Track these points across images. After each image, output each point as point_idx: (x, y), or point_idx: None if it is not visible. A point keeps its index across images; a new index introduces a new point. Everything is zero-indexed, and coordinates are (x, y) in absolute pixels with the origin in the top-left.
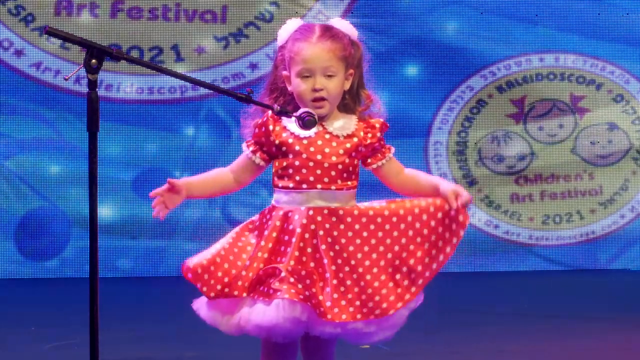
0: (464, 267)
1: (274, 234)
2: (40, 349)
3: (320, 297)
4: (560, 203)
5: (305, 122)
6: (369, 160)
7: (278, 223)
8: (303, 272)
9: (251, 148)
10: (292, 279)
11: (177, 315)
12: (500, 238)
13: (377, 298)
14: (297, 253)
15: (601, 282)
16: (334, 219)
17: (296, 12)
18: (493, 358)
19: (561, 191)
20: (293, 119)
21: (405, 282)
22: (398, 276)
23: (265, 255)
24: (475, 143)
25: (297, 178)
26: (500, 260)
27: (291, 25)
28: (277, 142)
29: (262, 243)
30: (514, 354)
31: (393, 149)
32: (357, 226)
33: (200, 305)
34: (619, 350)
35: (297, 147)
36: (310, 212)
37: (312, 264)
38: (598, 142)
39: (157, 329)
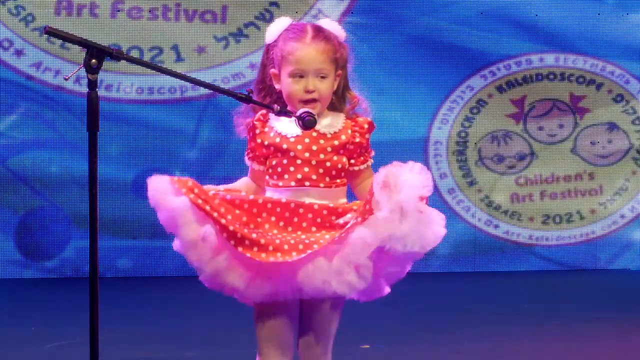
0: (464, 267)
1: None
2: (40, 349)
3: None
4: (560, 203)
5: (306, 122)
6: (352, 162)
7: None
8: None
9: (249, 155)
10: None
11: (177, 315)
12: (500, 238)
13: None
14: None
15: (601, 282)
16: (323, 211)
17: (296, 12)
18: (493, 358)
19: (561, 191)
20: (286, 118)
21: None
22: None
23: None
24: (475, 143)
25: (286, 176)
26: (500, 260)
27: (281, 23)
28: (265, 142)
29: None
30: (514, 354)
31: (373, 153)
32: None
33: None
34: (619, 350)
35: (284, 146)
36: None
37: (272, 218)
38: (598, 142)
39: (157, 329)
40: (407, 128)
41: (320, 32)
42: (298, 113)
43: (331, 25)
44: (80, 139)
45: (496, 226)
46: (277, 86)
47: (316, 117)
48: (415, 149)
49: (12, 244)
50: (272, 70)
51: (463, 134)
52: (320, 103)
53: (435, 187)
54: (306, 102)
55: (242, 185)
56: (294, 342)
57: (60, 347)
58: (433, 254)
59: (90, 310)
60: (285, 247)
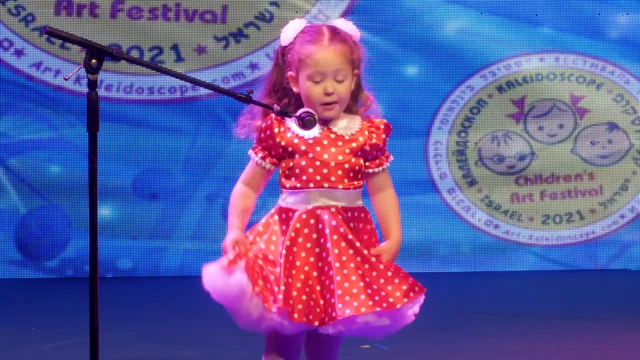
0: (464, 267)
1: (273, 238)
2: (40, 349)
3: (321, 302)
4: (560, 203)
5: (306, 122)
6: (367, 164)
7: (276, 227)
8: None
9: (260, 154)
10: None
11: (177, 315)
12: (500, 238)
13: (382, 293)
14: (287, 254)
15: (601, 282)
16: (340, 216)
17: (296, 12)
18: (493, 358)
19: (561, 191)
20: (291, 119)
21: (410, 280)
22: (397, 280)
23: (270, 257)
24: (475, 143)
25: (304, 178)
26: (500, 260)
27: (296, 25)
28: (282, 143)
29: (263, 246)
30: (514, 354)
31: (391, 158)
32: (362, 224)
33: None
34: (619, 350)
35: (303, 147)
36: (318, 212)
37: (311, 259)
38: (598, 142)
39: (157, 329)
40: (407, 128)
41: (336, 34)
42: (298, 113)
43: (346, 25)
44: (80, 139)
45: (496, 226)
46: (294, 89)
47: (316, 116)
48: (416, 149)
49: (12, 244)
50: (290, 73)
51: (463, 134)
52: (339, 105)
53: (435, 187)
54: (326, 105)
55: (245, 206)
56: (302, 345)
57: (60, 347)
58: (433, 254)
59: (90, 310)
60: (311, 317)
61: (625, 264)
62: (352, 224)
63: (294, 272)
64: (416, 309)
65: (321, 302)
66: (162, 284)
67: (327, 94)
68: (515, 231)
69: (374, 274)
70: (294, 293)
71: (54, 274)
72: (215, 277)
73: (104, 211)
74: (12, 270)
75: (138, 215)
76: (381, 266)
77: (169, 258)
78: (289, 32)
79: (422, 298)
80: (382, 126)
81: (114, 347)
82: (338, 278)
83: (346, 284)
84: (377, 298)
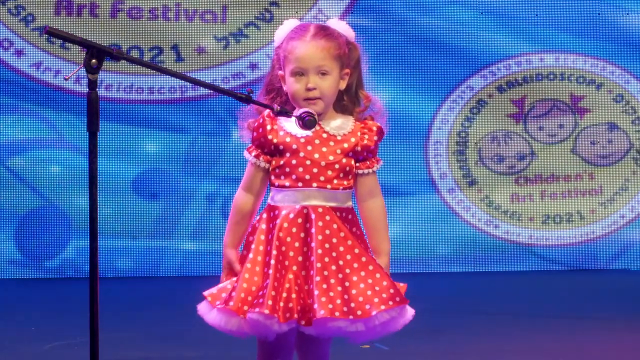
0: (464, 267)
1: (262, 237)
2: (40, 349)
3: (309, 300)
4: (560, 203)
5: (306, 122)
6: (357, 164)
7: (264, 226)
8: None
9: (254, 153)
10: (270, 302)
11: (177, 315)
12: (500, 238)
13: (360, 299)
14: (277, 254)
15: (601, 282)
16: (327, 217)
17: (296, 12)
18: (493, 358)
19: (561, 191)
20: (292, 118)
21: (392, 290)
22: (385, 282)
23: (259, 258)
24: (475, 143)
25: (294, 177)
26: (500, 260)
27: (288, 25)
28: (275, 141)
29: (253, 246)
30: (514, 354)
31: (381, 163)
32: (349, 226)
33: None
34: (619, 350)
35: (294, 146)
36: (305, 211)
37: (300, 258)
38: (598, 142)
39: (157, 329)
40: (407, 128)
41: (322, 31)
42: (298, 113)
43: (338, 24)
44: (80, 139)
45: (496, 226)
46: (285, 87)
47: (316, 117)
48: (416, 149)
49: (12, 244)
50: (280, 72)
51: (463, 134)
52: (323, 101)
53: (435, 187)
54: (308, 100)
55: (243, 218)
56: (293, 346)
57: (60, 347)
58: (433, 254)
59: (90, 310)
60: (296, 315)
61: (625, 264)
62: (335, 225)
63: (283, 272)
64: (405, 319)
65: (309, 301)
66: (162, 284)
67: (308, 89)
68: (515, 231)
69: (355, 278)
70: (284, 295)
71: (54, 274)
72: (214, 319)
73: (104, 211)
74: (12, 270)
75: (138, 215)
76: (362, 273)
77: (169, 258)
78: (280, 32)
79: (405, 310)
80: (374, 128)
81: (114, 347)
82: (317, 279)
83: (324, 286)
84: (352, 305)
